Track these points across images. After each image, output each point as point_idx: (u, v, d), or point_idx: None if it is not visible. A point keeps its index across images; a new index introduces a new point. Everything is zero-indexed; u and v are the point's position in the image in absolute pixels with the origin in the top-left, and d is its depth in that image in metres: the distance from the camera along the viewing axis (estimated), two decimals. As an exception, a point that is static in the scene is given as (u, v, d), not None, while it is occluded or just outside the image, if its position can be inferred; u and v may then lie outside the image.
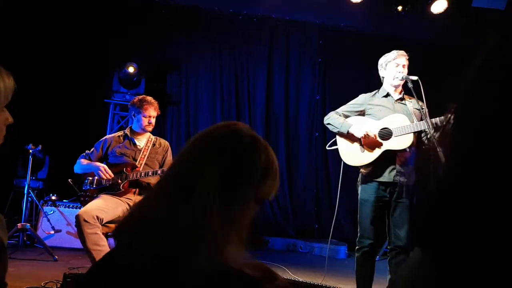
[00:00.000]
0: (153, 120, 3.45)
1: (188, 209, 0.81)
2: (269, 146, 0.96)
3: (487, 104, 0.42)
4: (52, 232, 4.40)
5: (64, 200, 4.72)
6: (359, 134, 2.90)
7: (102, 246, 2.87)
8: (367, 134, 2.86)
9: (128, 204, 3.24)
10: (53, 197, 4.66)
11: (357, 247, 2.94)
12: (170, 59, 5.99)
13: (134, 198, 3.29)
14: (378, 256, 4.69)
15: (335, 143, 3.11)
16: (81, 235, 2.84)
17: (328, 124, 3.09)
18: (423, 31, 5.55)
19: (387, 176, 2.86)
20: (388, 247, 2.99)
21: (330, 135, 3.48)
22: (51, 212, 4.52)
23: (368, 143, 2.91)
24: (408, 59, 3.00)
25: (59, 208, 4.57)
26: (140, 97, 3.52)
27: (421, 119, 2.87)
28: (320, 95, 6.18)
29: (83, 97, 5.54)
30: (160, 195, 0.88)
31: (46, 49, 5.42)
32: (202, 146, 0.90)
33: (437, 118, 2.77)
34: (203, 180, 0.83)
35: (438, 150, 2.64)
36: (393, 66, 2.97)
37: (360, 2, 5.19)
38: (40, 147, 4.36)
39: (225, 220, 0.83)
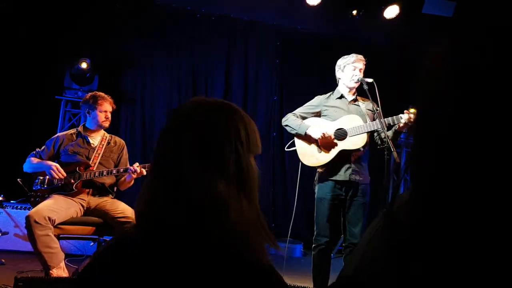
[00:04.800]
0: (109, 115, 3.36)
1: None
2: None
3: (443, 108, 0.45)
4: (-1, 234, 4.18)
5: (11, 201, 4.49)
6: (316, 135, 2.96)
7: (54, 248, 2.77)
8: (324, 135, 2.93)
9: (81, 205, 3.14)
10: (0, 198, 4.42)
11: (313, 245, 3.01)
12: (125, 55, 5.83)
13: (87, 198, 3.19)
14: (332, 254, 4.80)
15: (293, 144, 3.17)
16: (31, 237, 2.72)
17: (286, 126, 3.14)
18: (377, 35, 5.74)
19: (343, 175, 2.95)
20: (343, 245, 3.07)
21: (287, 135, 3.54)
22: (-3, 213, 4.29)
23: (325, 144, 2.98)
24: (365, 64, 3.10)
25: (6, 209, 4.34)
26: (92, 93, 3.42)
27: (374, 119, 2.98)
28: (278, 95, 6.25)
29: (32, 93, 5.29)
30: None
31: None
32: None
33: (389, 118, 2.89)
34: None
35: (393, 150, 2.76)
36: (351, 69, 3.05)
37: (317, 5, 5.29)
38: (-15, 145, 4.13)
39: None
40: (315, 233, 3.01)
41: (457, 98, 0.43)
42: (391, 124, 2.90)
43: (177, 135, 0.87)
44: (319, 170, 3.07)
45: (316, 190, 3.06)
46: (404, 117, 2.83)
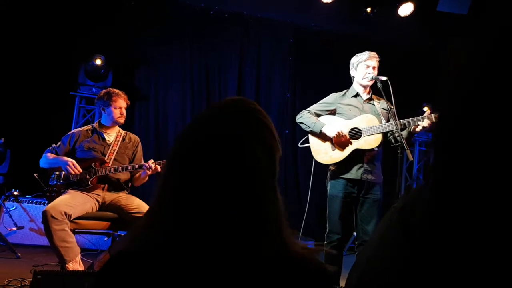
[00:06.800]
0: (124, 111, 3.40)
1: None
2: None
3: (461, 114, 0.45)
4: (15, 228, 4.25)
5: (27, 196, 4.57)
6: (331, 134, 2.96)
7: (70, 242, 2.81)
8: (339, 134, 2.93)
9: (97, 200, 3.18)
10: (15, 193, 4.50)
11: (325, 242, 3.01)
12: (139, 52, 5.87)
13: (102, 194, 3.23)
14: (344, 251, 4.80)
15: (307, 141, 3.17)
16: (48, 231, 2.76)
17: (301, 123, 3.14)
18: (391, 33, 5.71)
19: (355, 173, 2.94)
20: (356, 242, 3.07)
21: (299, 133, 3.54)
22: (13, 208, 4.37)
23: (339, 142, 2.98)
24: (379, 61, 3.08)
25: (21, 204, 4.42)
26: (106, 90, 3.45)
27: (388, 119, 2.97)
28: (290, 93, 6.24)
29: (47, 90, 5.36)
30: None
31: (8, 39, 5.21)
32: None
33: (405, 120, 2.86)
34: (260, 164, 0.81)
35: (406, 149, 2.75)
36: (364, 67, 3.04)
37: (331, 2, 5.28)
38: (1, 140, 4.20)
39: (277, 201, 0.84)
40: (327, 230, 3.01)
41: (481, 99, 0.42)
42: (406, 125, 2.87)
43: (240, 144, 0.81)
44: (331, 167, 3.08)
45: (328, 188, 3.06)
46: (422, 124, 2.79)
